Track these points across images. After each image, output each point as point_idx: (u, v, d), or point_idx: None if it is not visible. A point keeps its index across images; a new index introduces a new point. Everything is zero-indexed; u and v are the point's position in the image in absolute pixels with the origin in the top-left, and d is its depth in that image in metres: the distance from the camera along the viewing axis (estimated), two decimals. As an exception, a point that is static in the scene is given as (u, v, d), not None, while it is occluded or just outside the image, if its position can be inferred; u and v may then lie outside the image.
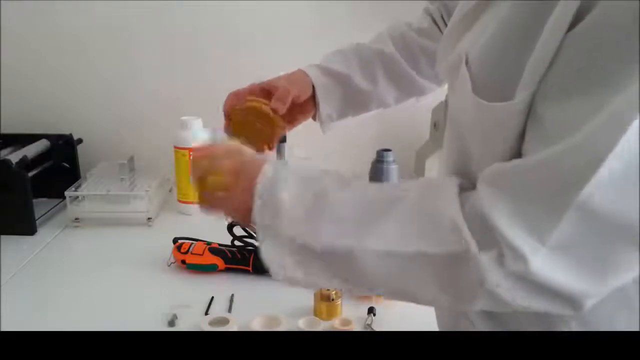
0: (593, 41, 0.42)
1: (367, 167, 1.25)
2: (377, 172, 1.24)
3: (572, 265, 0.44)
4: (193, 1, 1.41)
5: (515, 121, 0.48)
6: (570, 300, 0.46)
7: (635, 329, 0.51)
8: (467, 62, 0.52)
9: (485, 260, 0.46)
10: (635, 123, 0.39)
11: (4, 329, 0.86)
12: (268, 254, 0.55)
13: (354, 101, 0.85)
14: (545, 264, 0.44)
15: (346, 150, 1.46)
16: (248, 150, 0.63)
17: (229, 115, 0.80)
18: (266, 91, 0.79)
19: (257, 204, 0.55)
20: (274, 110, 0.76)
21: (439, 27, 0.84)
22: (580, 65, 0.43)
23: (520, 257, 0.44)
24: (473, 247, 0.47)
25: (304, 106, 0.82)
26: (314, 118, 0.85)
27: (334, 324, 0.89)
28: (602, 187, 0.41)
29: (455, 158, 0.59)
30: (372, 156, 1.24)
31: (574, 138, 0.42)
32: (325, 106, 0.82)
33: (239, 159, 0.60)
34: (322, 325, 0.89)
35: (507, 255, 0.45)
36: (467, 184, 0.52)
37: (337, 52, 0.85)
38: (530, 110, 0.47)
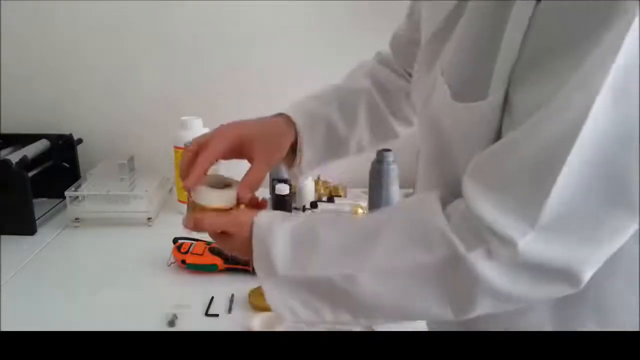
0: (552, 16, 0.43)
1: (367, 167, 1.26)
2: (377, 172, 1.24)
3: (565, 238, 0.44)
4: (193, 1, 1.41)
5: (492, 118, 0.48)
6: (568, 274, 0.45)
7: None
8: (442, 73, 0.53)
9: (474, 257, 0.46)
10: (606, 84, 0.39)
11: (4, 329, 0.86)
12: (274, 300, 0.57)
13: (335, 148, 0.76)
14: (535, 243, 0.44)
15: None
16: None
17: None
18: (236, 151, 0.66)
19: (255, 255, 0.58)
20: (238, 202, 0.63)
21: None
22: (545, 41, 0.44)
23: (508, 243, 0.44)
24: (461, 248, 0.47)
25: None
26: (288, 165, 0.73)
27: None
28: (584, 153, 0.41)
29: (438, 173, 0.59)
30: (372, 156, 1.24)
31: (546, 111, 0.43)
32: (309, 154, 0.72)
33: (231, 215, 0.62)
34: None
35: (496, 245, 0.45)
36: (448, 197, 0.53)
37: (316, 97, 0.76)
38: (505, 107, 0.47)
